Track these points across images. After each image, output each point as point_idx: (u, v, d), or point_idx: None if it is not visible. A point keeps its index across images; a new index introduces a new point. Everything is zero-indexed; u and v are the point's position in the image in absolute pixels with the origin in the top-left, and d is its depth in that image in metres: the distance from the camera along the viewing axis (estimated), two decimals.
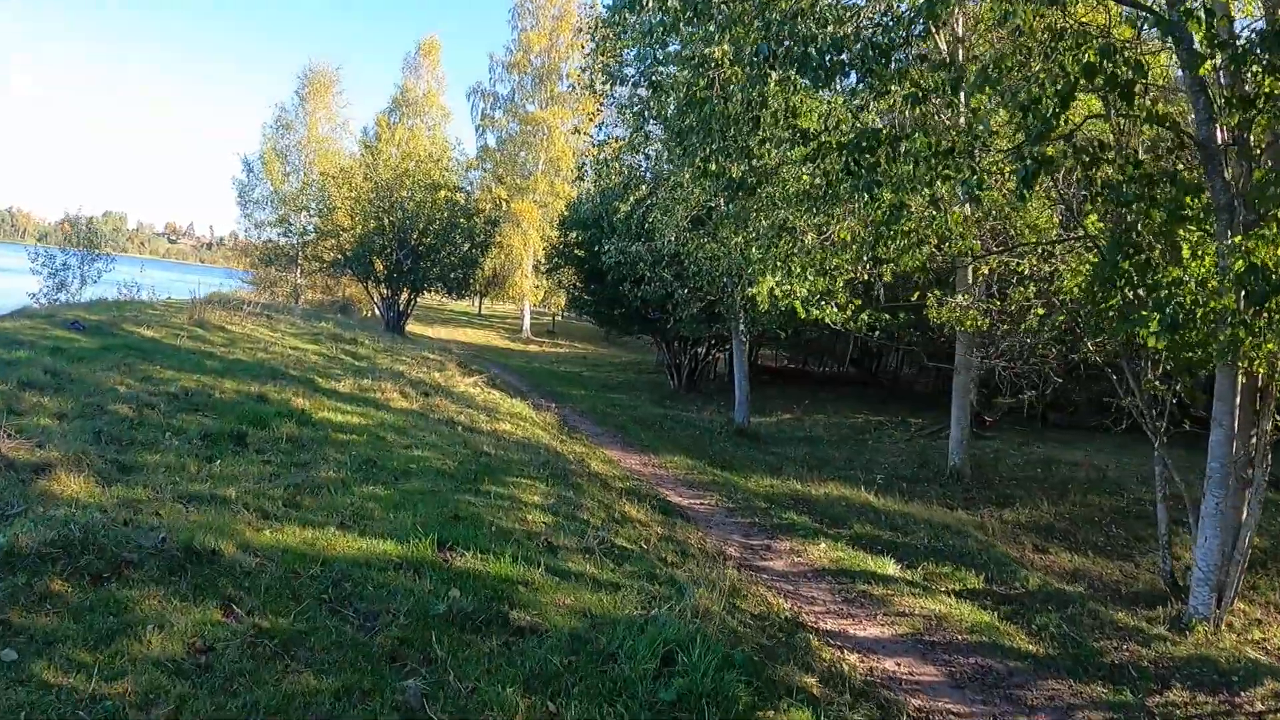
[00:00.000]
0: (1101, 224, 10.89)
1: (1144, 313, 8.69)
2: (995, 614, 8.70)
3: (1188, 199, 8.20)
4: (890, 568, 9.97)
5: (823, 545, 10.50)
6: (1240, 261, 7.66)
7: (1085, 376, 16.89)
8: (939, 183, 8.18)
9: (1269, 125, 8.74)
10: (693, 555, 8.64)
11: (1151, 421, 11.11)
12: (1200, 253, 9.11)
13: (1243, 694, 7.31)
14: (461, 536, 6.72)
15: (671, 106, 9.43)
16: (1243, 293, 8.01)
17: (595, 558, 7.13)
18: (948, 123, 10.08)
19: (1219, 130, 9.05)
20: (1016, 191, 7.44)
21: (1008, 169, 9.12)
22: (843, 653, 7.14)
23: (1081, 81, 7.24)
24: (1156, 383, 11.25)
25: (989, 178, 10.60)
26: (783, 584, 8.89)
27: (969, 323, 14.49)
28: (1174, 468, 11.06)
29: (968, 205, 11.07)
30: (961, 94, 8.38)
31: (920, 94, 8.30)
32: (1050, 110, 6.97)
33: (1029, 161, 6.71)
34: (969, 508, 14.72)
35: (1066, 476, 16.91)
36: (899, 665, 7.09)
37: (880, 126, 8.44)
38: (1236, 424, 9.60)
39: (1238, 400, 9.54)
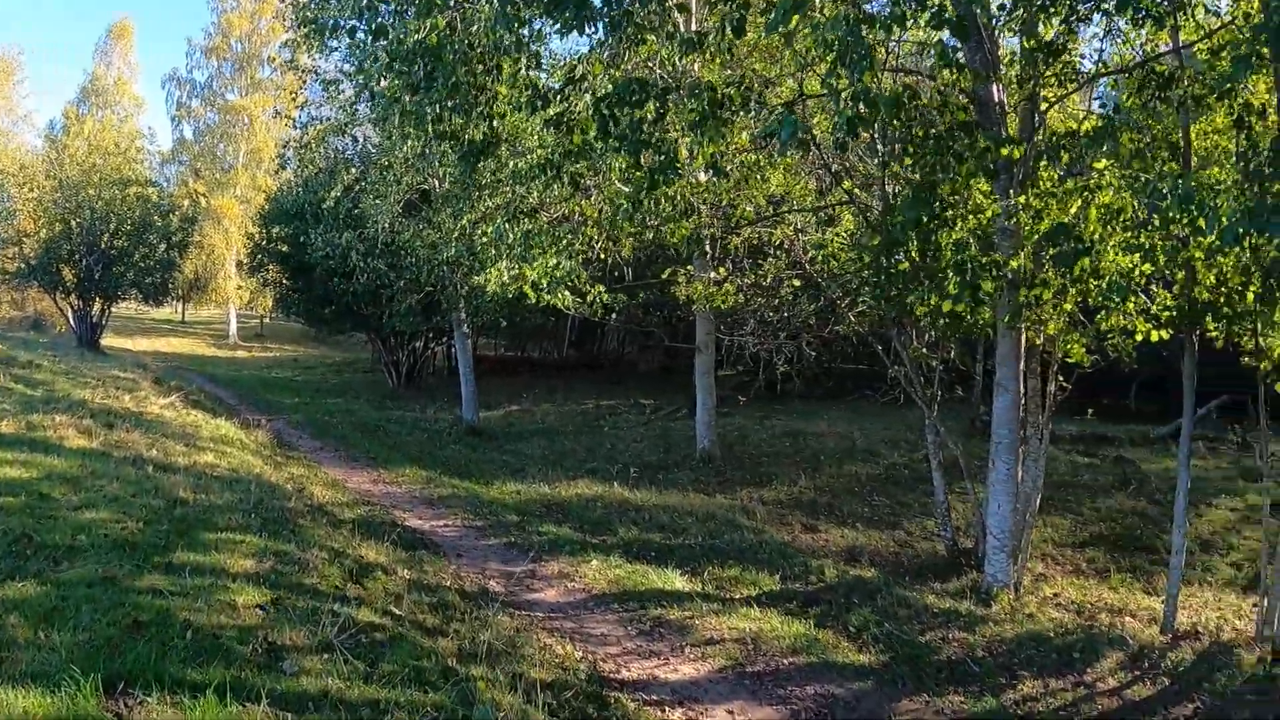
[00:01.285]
0: (861, 190, 10.67)
1: (943, 274, 8.35)
2: (808, 621, 7.78)
3: (1002, 151, 7.81)
4: (677, 581, 8.87)
5: (594, 563, 9.25)
6: (1045, 222, 7.45)
7: (844, 348, 17.04)
8: (709, 144, 7.32)
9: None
10: (456, 610, 7.10)
11: (921, 390, 10.93)
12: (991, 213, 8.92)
13: (1089, 671, 7.02)
14: (142, 664, 4.60)
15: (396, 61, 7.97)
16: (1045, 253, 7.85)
17: (338, 659, 5.24)
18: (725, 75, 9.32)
19: (995, 88, 8.83)
20: (838, 140, 6.68)
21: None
22: (664, 711, 5.99)
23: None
24: (924, 350, 11.13)
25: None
26: (563, 621, 7.54)
27: (721, 299, 13.94)
28: (932, 432, 10.99)
29: (714, 174, 10.39)
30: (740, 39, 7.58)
31: (697, 39, 7.41)
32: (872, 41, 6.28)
33: (851, 104, 5.90)
34: (726, 491, 14.16)
35: (816, 448, 16.82)
36: (733, 715, 5.98)
37: (647, 77, 7.48)
38: (1022, 389, 9.52)
39: (1022, 365, 9.44)
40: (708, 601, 8.22)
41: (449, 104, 7.56)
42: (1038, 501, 10.40)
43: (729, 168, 11.80)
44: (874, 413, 19.68)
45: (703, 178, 11.24)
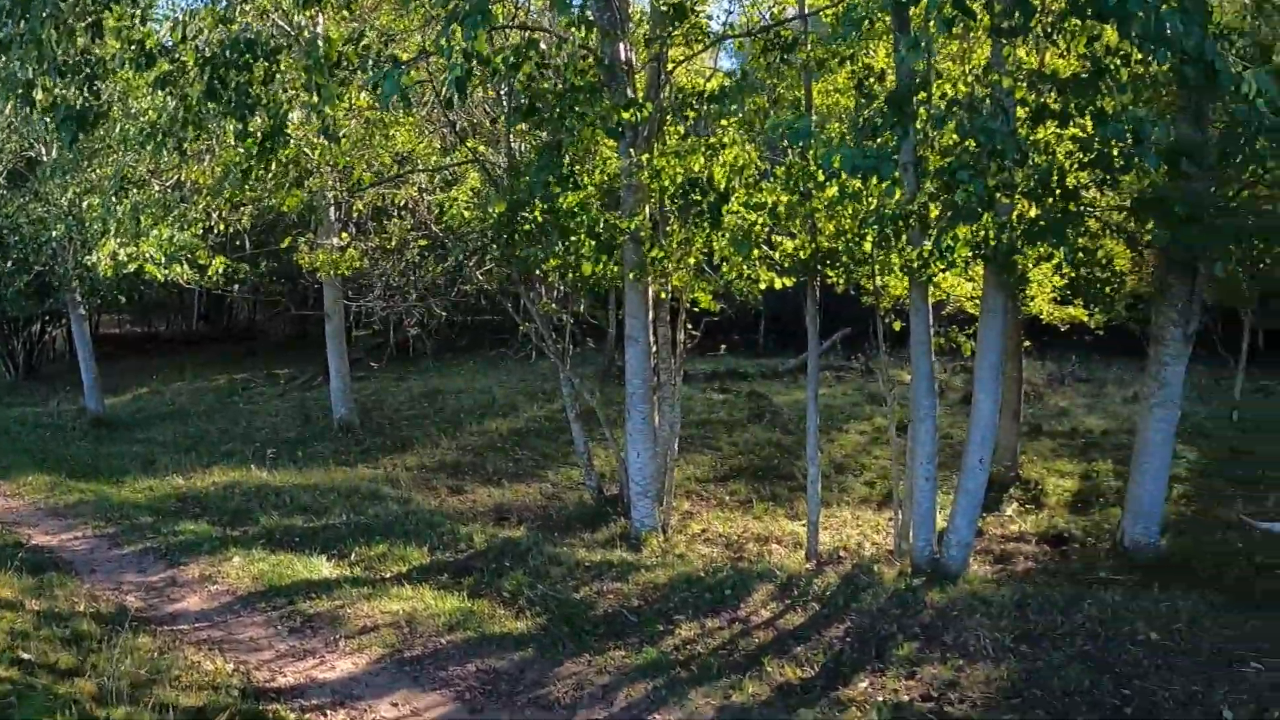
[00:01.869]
0: (488, 148, 10.73)
1: (574, 236, 8.67)
2: (461, 593, 7.86)
3: (624, 113, 8.02)
4: (324, 567, 8.64)
5: (236, 559, 8.80)
6: (666, 179, 7.90)
7: (476, 304, 17.13)
8: (327, 107, 7.10)
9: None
10: (92, 640, 6.51)
11: (553, 344, 11.34)
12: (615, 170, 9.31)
13: (742, 606, 7.42)
14: None
15: None
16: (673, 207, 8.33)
17: None
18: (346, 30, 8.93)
19: (623, 46, 9.14)
20: (445, 97, 6.65)
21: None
22: (326, 715, 5.89)
23: None
24: (554, 306, 11.54)
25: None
26: (210, 630, 7.14)
27: (344, 265, 13.60)
28: (568, 385, 11.46)
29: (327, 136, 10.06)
30: None
31: None
32: None
33: (462, 62, 5.90)
34: (369, 460, 13.99)
35: (456, 407, 16.94)
36: (397, 707, 6.06)
37: (259, 35, 7.00)
38: (652, 339, 10.14)
39: (650, 316, 10.04)
40: (357, 586, 8.07)
41: (41, 66, 6.76)
42: (676, 444, 11.17)
43: (350, 127, 11.52)
44: (511, 366, 20.05)
45: (321, 141, 10.88)
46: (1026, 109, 7.09)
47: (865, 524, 11.15)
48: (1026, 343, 13.94)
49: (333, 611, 7.54)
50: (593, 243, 8.45)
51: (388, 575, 8.54)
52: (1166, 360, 8.82)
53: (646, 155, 8.51)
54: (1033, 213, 7.64)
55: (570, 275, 9.89)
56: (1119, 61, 6.80)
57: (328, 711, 5.86)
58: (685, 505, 11.85)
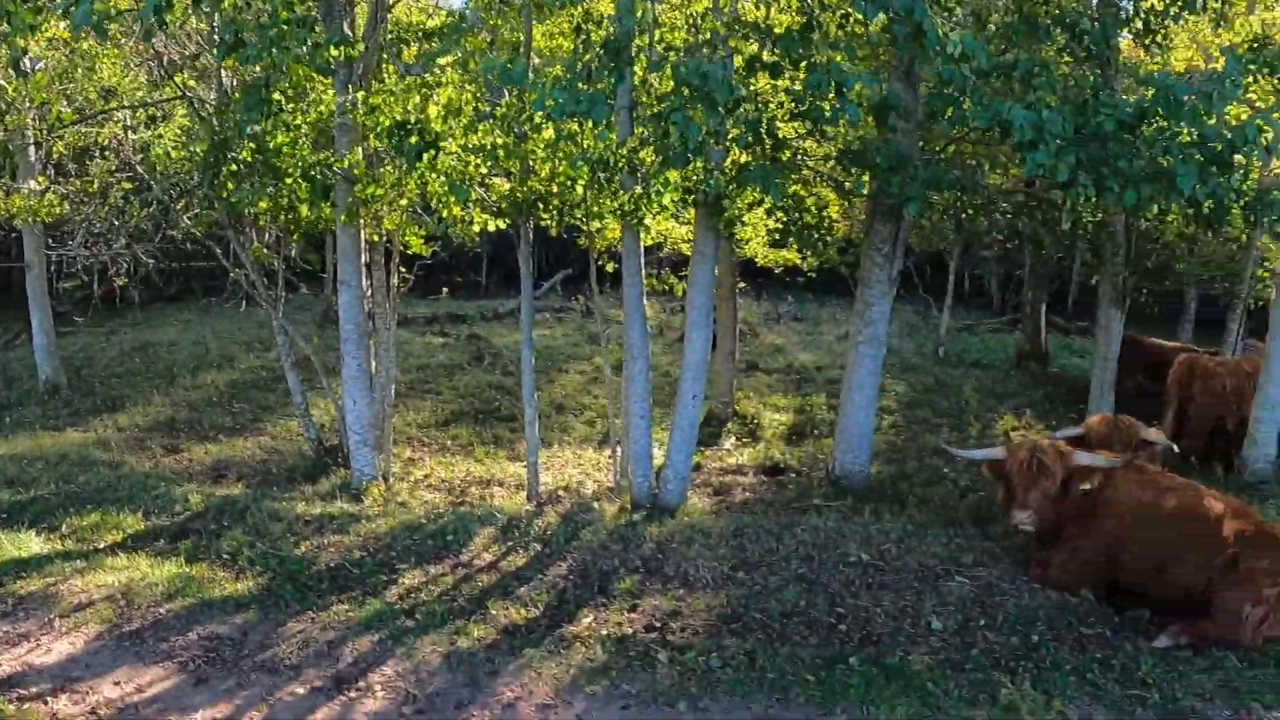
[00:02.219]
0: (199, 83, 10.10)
1: (287, 176, 8.31)
2: (179, 559, 7.50)
3: (333, 51, 7.72)
4: (33, 543, 7.97)
5: None
6: (383, 117, 7.68)
7: (187, 249, 16.14)
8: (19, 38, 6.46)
9: None
10: None
11: (265, 290, 10.91)
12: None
13: (465, 550, 7.50)
14: None
15: None
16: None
17: None
18: None
19: None
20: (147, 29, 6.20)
21: None
22: (47, 702, 5.51)
23: None
24: (265, 250, 11.08)
25: None
26: None
27: (44, 211, 12.40)
28: (282, 332, 11.11)
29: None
30: None
31: None
32: None
33: None
34: (79, 423, 12.93)
35: (169, 360, 15.95)
36: (120, 685, 5.70)
37: None
38: (365, 282, 9.92)
39: (364, 260, 9.81)
40: (70, 560, 7.52)
41: None
42: (393, 390, 11.04)
43: (51, 59, 10.60)
44: (226, 315, 19.10)
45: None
46: (741, 59, 7.40)
47: (586, 463, 11.44)
48: (742, 284, 14.63)
49: (45, 591, 7.03)
50: (307, 185, 8.15)
51: (101, 546, 8.04)
52: (872, 300, 9.48)
53: (362, 94, 8.27)
54: (743, 159, 8.02)
55: (283, 218, 9.54)
56: (832, 17, 7.21)
57: (48, 699, 5.52)
58: (407, 452, 11.76)
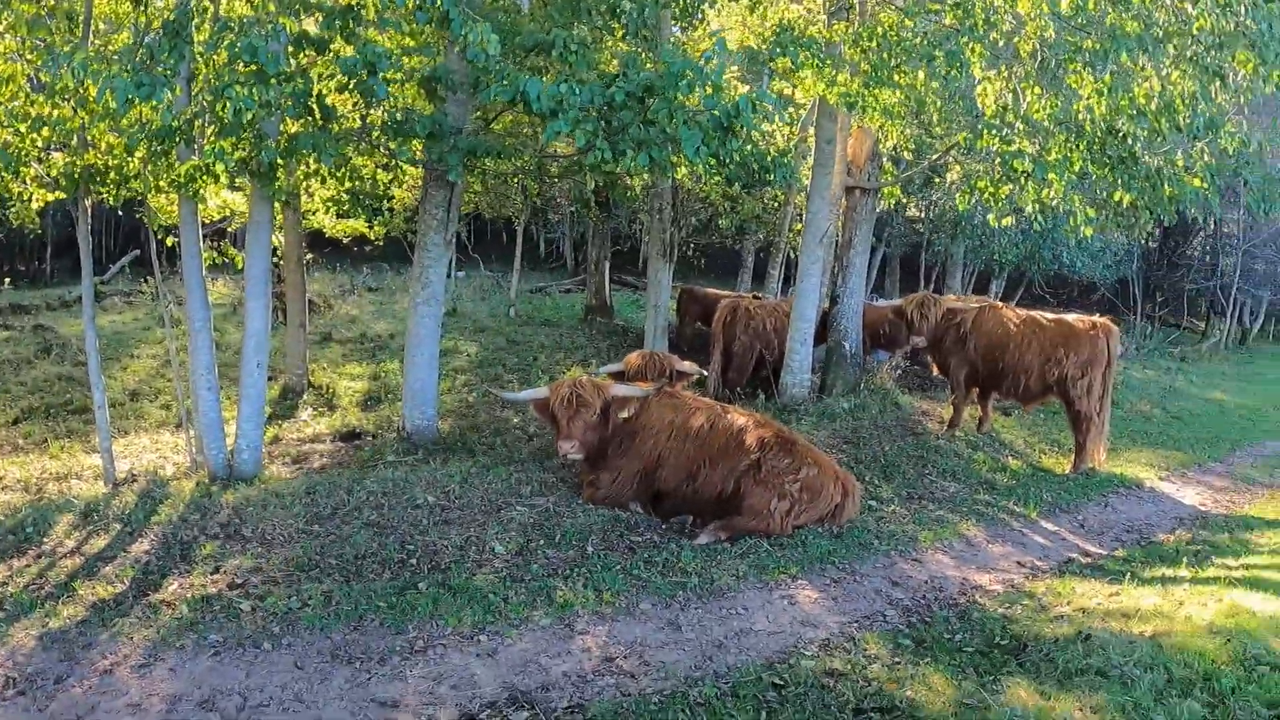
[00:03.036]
0: None
1: None
2: None
3: None
4: None
5: None
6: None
7: None
8: None
9: None
10: None
11: None
12: None
13: (46, 540, 7.33)
14: None
15: None
16: None
17: None
18: None
19: None
20: None
21: None
22: None
23: None
24: None
25: None
26: None
27: None
28: None
29: None
30: None
31: None
32: None
33: None
34: None
35: None
36: None
37: None
38: None
39: None
40: None
41: None
42: None
43: None
44: None
45: None
46: (292, 35, 7.77)
47: (165, 446, 11.26)
48: (311, 255, 14.82)
49: None
50: None
51: None
52: (429, 263, 10.13)
53: None
54: (294, 129, 8.40)
55: None
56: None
57: None
58: None
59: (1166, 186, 10.67)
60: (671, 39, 12.51)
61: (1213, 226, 35.41)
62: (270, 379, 10.71)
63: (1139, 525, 9.62)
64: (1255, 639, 5.51)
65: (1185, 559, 7.91)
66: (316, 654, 5.56)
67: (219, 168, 8.08)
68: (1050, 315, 12.09)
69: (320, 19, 7.87)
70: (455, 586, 6.46)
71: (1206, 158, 10.92)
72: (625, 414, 8.27)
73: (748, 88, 9.96)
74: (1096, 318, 11.76)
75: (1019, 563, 8.05)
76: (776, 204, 19.34)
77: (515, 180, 18.58)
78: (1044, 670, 5.42)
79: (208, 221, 11.89)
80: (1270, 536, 9.00)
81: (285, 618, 5.96)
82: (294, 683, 5.23)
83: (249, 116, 7.34)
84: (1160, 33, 10.21)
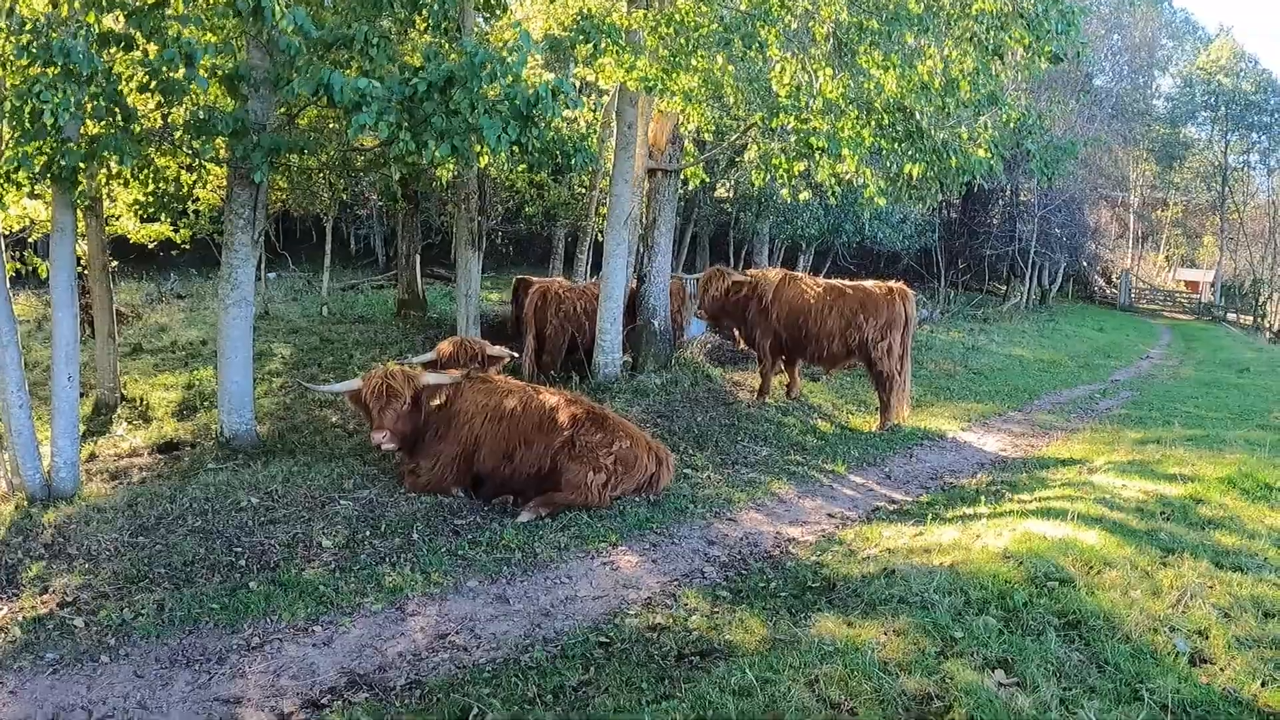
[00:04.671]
0: None
1: None
2: None
3: None
4: None
5: None
6: None
7: None
8: None
9: None
10: None
11: None
12: None
13: None
14: None
15: None
16: None
17: None
18: None
19: None
20: None
21: None
22: None
23: None
24: None
25: None
26: None
27: None
28: None
29: None
30: None
31: None
32: None
33: None
34: None
35: None
36: None
37: None
38: None
39: None
40: None
41: None
42: None
43: None
44: None
45: None
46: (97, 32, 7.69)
47: None
48: (114, 263, 14.42)
49: None
50: None
51: None
52: (237, 264, 10.07)
53: None
54: (96, 130, 8.30)
55: None
56: None
57: None
58: None
59: (953, 158, 11.53)
60: (474, 29, 12.74)
61: (1010, 195, 37.87)
62: (82, 394, 10.45)
63: (942, 472, 10.45)
64: (1045, 560, 6.17)
65: (984, 498, 8.69)
66: (155, 661, 5.63)
67: (21, 175, 7.93)
68: (849, 283, 12.89)
69: (124, 16, 7.80)
70: (286, 582, 6.60)
71: (990, 130, 11.88)
72: (437, 402, 8.52)
73: (552, 75, 10.30)
74: (893, 283, 12.61)
75: (829, 514, 8.70)
76: (583, 189, 19.80)
77: (321, 176, 18.47)
78: (851, 605, 5.95)
79: (8, 232, 11.51)
80: (1064, 472, 9.90)
81: (120, 629, 5.98)
82: (136, 691, 5.30)
83: (52, 121, 7.25)
84: (942, 14, 11.09)
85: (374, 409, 8.38)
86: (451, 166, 13.57)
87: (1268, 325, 47.07)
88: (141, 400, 13.32)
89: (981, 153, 11.62)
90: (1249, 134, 57.73)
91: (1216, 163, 58.18)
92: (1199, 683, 4.59)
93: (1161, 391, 19.27)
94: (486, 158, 10.16)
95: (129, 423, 12.43)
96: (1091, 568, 6.09)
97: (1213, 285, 57.03)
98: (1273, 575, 6.09)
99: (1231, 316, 50.33)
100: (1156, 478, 8.67)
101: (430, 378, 8.57)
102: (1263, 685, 4.56)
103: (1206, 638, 5.16)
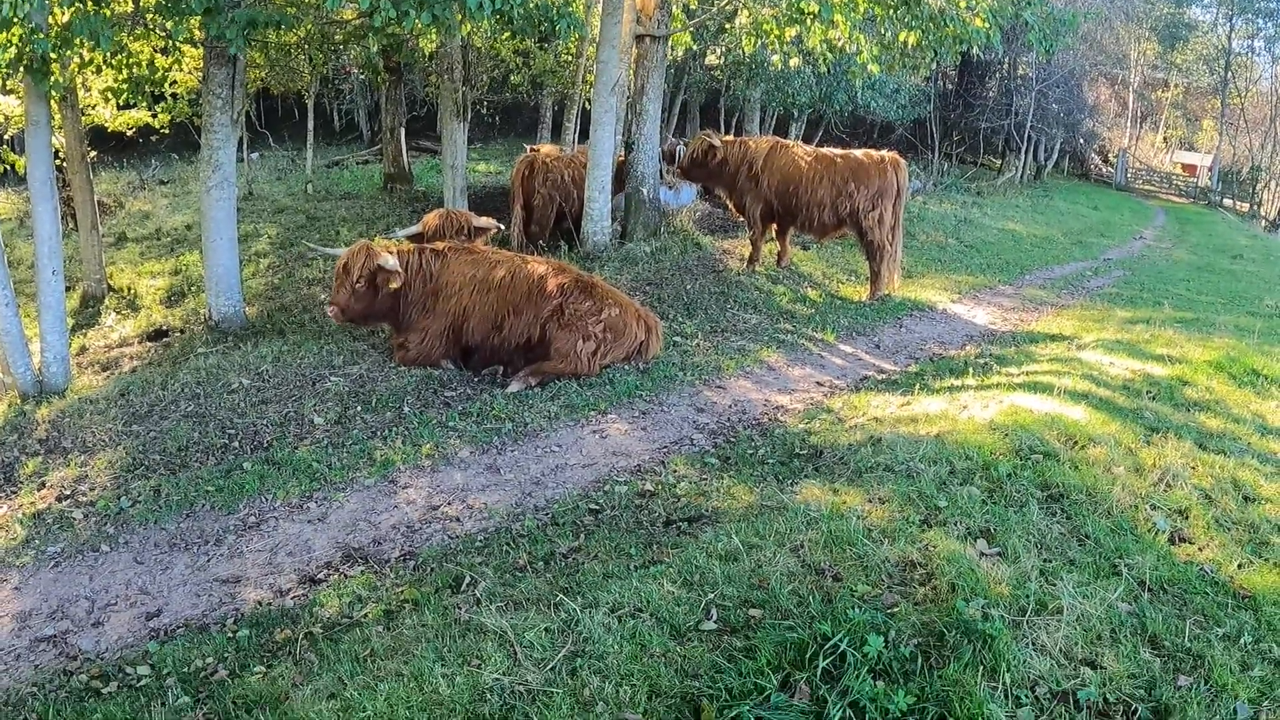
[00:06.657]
0: None
1: None
2: None
3: None
4: None
5: None
6: None
7: None
8: None
9: None
10: None
11: None
12: None
13: None
14: None
15: None
16: None
17: None
18: None
19: None
20: None
21: None
22: None
23: None
24: None
25: None
26: None
27: None
28: None
29: None
30: None
31: None
32: None
33: None
34: None
35: None
36: None
37: None
38: None
39: None
40: None
41: None
42: None
43: None
44: None
45: None
46: None
47: None
48: (93, 153, 14.21)
49: None
50: None
51: None
52: (217, 145, 9.93)
53: None
54: (65, 18, 8.10)
55: None
56: None
57: None
58: None
59: (949, 26, 11.28)
60: None
61: (1007, 68, 37.16)
62: (68, 288, 10.43)
63: (931, 343, 10.50)
64: (1031, 433, 6.23)
65: (972, 370, 8.74)
66: (154, 547, 5.74)
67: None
68: (840, 151, 12.74)
69: None
70: (279, 461, 6.70)
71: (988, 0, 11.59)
72: (394, 285, 8.47)
73: None
74: (885, 152, 12.46)
75: (818, 383, 8.78)
76: (570, 57, 19.43)
77: (301, 51, 18.07)
78: (837, 472, 6.04)
79: None
80: (1052, 348, 9.93)
81: (118, 518, 6.08)
82: (137, 578, 5.42)
83: (11, 12, 7.06)
84: None
85: (335, 284, 8.50)
86: (434, 36, 13.26)
87: (1264, 213, 46.69)
88: (129, 289, 13.31)
89: (978, 22, 11.38)
90: (1255, 19, 56.20)
91: (1220, 46, 56.71)
92: (1177, 561, 4.66)
93: (1153, 272, 19.29)
94: (469, 26, 9.93)
95: (117, 313, 12.43)
96: (1076, 443, 6.14)
97: (1210, 170, 56.08)
98: (1255, 460, 6.14)
99: (1228, 202, 49.66)
100: (1144, 357, 8.71)
101: (386, 261, 8.40)
102: (1239, 567, 4.64)
103: (1187, 518, 5.22)
